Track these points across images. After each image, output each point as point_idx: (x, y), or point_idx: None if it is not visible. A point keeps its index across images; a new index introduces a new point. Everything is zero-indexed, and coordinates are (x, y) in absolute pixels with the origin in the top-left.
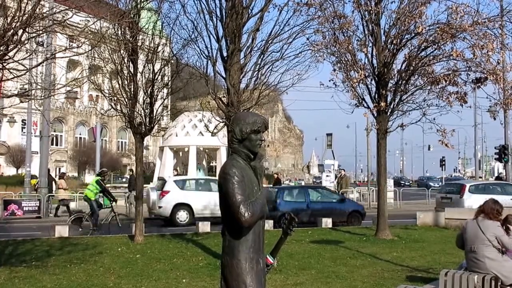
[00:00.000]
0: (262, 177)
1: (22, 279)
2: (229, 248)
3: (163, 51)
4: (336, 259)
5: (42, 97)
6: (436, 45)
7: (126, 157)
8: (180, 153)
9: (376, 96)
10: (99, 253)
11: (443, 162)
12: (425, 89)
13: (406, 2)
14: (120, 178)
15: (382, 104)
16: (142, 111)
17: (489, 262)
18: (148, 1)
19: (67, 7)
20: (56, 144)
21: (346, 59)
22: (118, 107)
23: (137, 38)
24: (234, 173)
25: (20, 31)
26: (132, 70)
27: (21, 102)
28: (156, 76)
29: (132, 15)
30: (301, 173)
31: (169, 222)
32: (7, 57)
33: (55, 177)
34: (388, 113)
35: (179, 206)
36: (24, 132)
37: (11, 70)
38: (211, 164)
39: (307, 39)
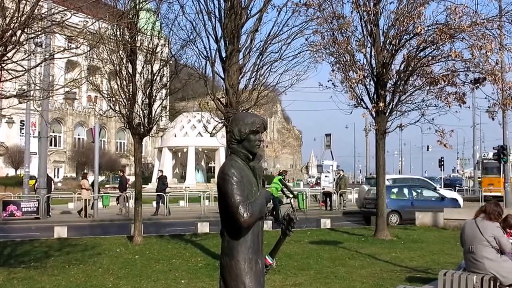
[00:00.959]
0: (261, 177)
1: (20, 280)
2: (228, 249)
3: (162, 52)
4: (335, 260)
5: (41, 98)
6: (435, 45)
7: (124, 158)
8: (179, 154)
9: (375, 97)
10: (98, 254)
11: (442, 163)
12: (423, 90)
13: (405, 3)
14: (118, 179)
15: (381, 104)
16: (141, 112)
17: (488, 263)
18: (146, 2)
19: (66, 8)
20: (55, 145)
21: (345, 60)
22: (117, 108)
23: (136, 38)
24: (233, 174)
25: (19, 32)
26: (130, 71)
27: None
28: (155, 76)
29: (130, 16)
30: (300, 174)
31: None
32: (5, 58)
33: (54, 177)
34: (387, 114)
35: None
36: (22, 133)
37: (10, 71)
38: (209, 164)
39: (306, 39)
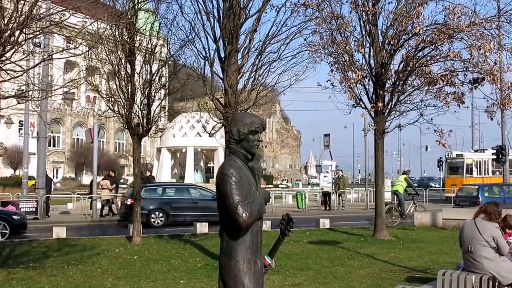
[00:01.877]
0: (260, 177)
1: (19, 281)
2: (227, 249)
3: (161, 52)
4: (334, 260)
5: (39, 98)
6: (434, 45)
7: (123, 158)
8: (178, 154)
9: (374, 97)
10: (97, 254)
11: (441, 163)
12: (422, 90)
13: (404, 3)
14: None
15: (380, 104)
16: (140, 112)
17: (487, 262)
18: (145, 2)
19: (64, 8)
20: (54, 145)
21: (343, 60)
22: (116, 108)
23: (135, 39)
24: (232, 174)
25: (17, 32)
26: (129, 71)
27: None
28: (154, 77)
29: (129, 16)
30: (299, 174)
31: None
32: (4, 58)
33: (53, 178)
34: (386, 114)
35: None
36: (21, 133)
37: (8, 71)
38: (208, 165)
39: (305, 39)
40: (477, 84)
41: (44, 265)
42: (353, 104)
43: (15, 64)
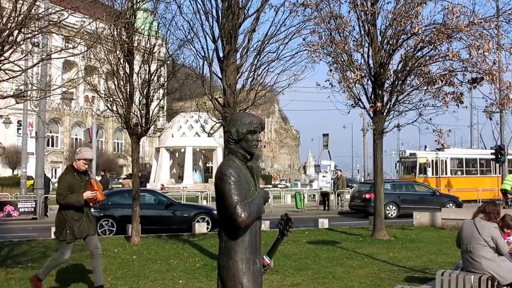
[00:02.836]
0: (258, 177)
1: (18, 281)
2: (226, 249)
3: (159, 52)
4: (333, 260)
5: (38, 98)
6: (432, 45)
7: (122, 158)
8: (177, 154)
9: (372, 97)
10: None
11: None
12: (421, 90)
13: (402, 3)
14: (116, 179)
15: (378, 104)
16: (138, 112)
17: (486, 262)
18: (144, 2)
19: (63, 8)
20: (52, 145)
21: (342, 60)
22: (114, 108)
23: (133, 38)
24: (231, 174)
25: (16, 32)
26: (128, 71)
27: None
28: (152, 76)
29: (128, 16)
30: (298, 174)
31: None
32: (2, 58)
33: (52, 178)
34: (384, 114)
35: None
36: (19, 133)
37: (7, 71)
38: (207, 165)
39: (304, 39)
40: (476, 84)
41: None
42: (352, 104)
43: (14, 64)
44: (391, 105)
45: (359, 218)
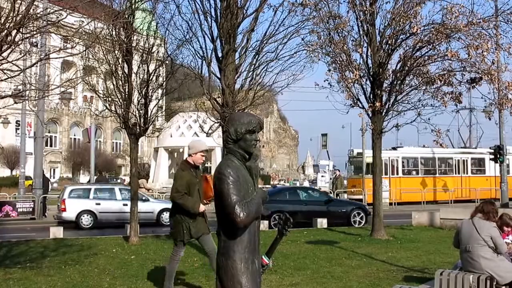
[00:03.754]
0: (257, 177)
1: (16, 281)
2: (225, 249)
3: (158, 52)
4: (332, 260)
5: (36, 98)
6: (431, 45)
7: (120, 158)
8: (175, 154)
9: (371, 96)
10: (94, 254)
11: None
12: (420, 89)
13: (401, 2)
14: (115, 179)
15: (377, 104)
16: (137, 112)
17: (485, 262)
18: (142, 2)
19: (61, 8)
20: (51, 145)
21: (341, 60)
22: (113, 108)
23: (132, 38)
24: (229, 173)
25: (14, 32)
26: (126, 71)
27: (15, 103)
28: (151, 76)
29: (126, 16)
30: (296, 174)
31: None
32: (0, 58)
33: (50, 178)
34: (383, 113)
35: None
36: (18, 133)
37: (5, 71)
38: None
39: (302, 39)
40: (474, 84)
41: (41, 265)
42: (351, 104)
43: (12, 63)
44: (390, 105)
45: None
